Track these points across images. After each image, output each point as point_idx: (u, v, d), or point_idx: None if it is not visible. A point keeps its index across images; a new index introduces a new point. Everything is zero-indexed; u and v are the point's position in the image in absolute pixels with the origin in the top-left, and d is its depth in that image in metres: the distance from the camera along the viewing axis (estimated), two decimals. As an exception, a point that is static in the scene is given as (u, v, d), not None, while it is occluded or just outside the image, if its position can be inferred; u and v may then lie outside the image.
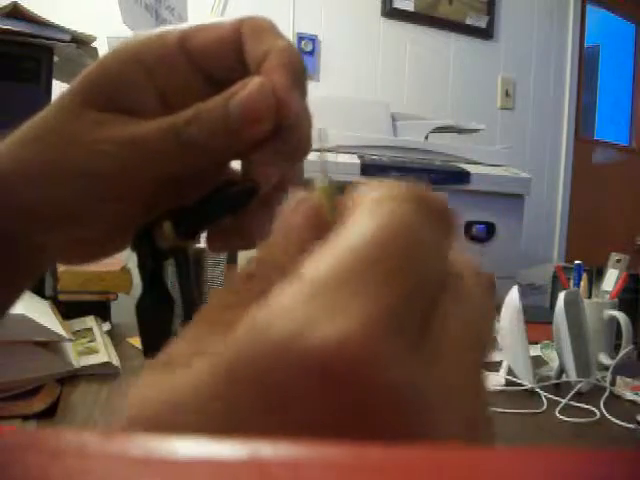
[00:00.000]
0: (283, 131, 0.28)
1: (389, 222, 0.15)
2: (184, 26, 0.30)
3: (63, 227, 0.29)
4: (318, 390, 0.13)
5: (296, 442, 0.11)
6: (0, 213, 0.28)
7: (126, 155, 0.27)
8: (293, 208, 0.19)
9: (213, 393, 0.13)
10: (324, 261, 0.15)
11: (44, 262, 0.32)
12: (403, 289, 0.14)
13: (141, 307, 0.30)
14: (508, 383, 0.96)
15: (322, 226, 0.18)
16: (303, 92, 0.29)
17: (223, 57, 0.29)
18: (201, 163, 0.28)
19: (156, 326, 0.30)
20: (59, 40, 1.18)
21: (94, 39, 1.29)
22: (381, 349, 0.13)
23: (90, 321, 1.12)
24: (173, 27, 0.30)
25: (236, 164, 0.31)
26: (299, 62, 0.28)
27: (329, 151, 0.24)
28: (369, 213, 0.16)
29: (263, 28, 0.29)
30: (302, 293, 0.14)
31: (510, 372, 0.97)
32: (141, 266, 0.29)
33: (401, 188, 0.17)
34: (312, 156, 0.27)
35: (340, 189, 0.21)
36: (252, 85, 0.26)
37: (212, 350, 0.14)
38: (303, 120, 0.29)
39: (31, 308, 0.88)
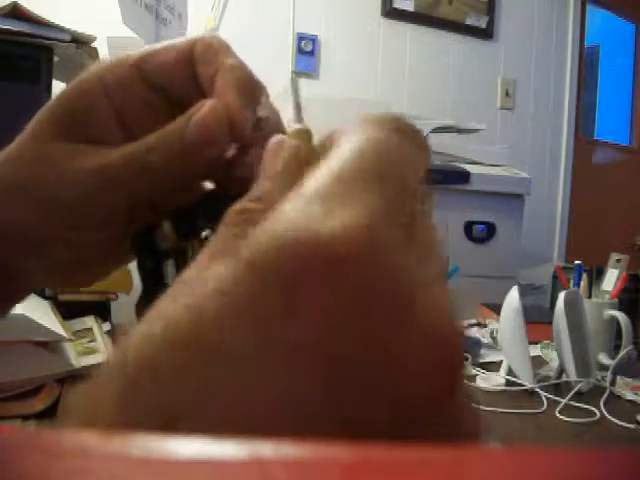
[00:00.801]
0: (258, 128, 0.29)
1: (375, 139, 0.18)
2: (141, 50, 0.30)
3: (37, 253, 0.30)
4: (328, 276, 0.14)
5: (297, 442, 0.11)
6: None
7: (94, 184, 0.28)
8: (273, 150, 0.21)
9: (236, 280, 0.14)
10: (320, 173, 0.16)
11: (21, 288, 0.33)
12: (394, 191, 0.16)
13: (141, 307, 0.30)
14: (508, 383, 0.96)
15: (301, 165, 0.19)
16: (255, 100, 0.29)
17: (178, 78, 0.30)
18: (166, 185, 0.29)
19: None
20: (59, 40, 1.18)
21: (94, 39, 1.29)
22: (383, 237, 0.15)
23: (90, 321, 1.12)
24: (132, 52, 0.31)
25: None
26: (248, 78, 0.29)
27: (300, 98, 0.25)
28: (356, 136, 0.18)
29: (213, 48, 0.29)
30: (305, 197, 0.16)
31: (510, 372, 0.97)
32: (141, 266, 0.29)
33: (381, 116, 0.19)
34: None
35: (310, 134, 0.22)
36: (205, 110, 0.27)
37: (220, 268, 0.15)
38: (271, 119, 0.30)
39: (31, 308, 0.88)
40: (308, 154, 0.20)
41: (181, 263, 0.29)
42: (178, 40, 0.30)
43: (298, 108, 0.24)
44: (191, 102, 0.29)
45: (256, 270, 0.14)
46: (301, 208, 0.15)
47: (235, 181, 0.29)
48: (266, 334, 0.14)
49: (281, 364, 0.14)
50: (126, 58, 0.30)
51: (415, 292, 0.15)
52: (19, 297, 0.34)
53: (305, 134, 0.21)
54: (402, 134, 0.19)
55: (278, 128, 0.30)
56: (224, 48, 0.30)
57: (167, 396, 0.14)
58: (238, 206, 0.19)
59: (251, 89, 0.29)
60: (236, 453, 0.10)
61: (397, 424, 0.14)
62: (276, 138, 0.22)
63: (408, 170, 0.18)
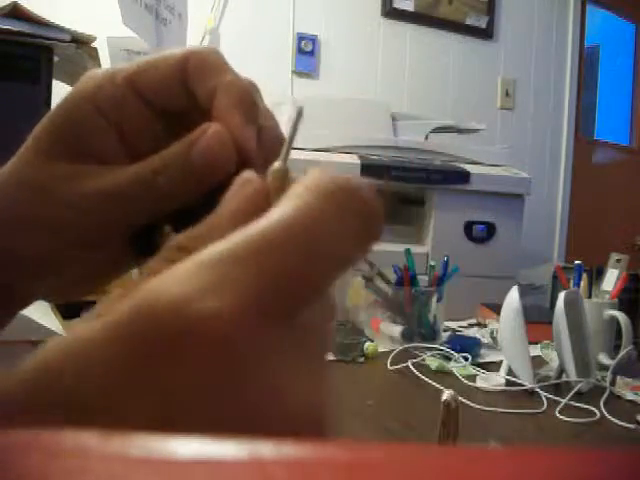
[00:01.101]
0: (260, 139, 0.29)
1: (304, 213, 0.17)
2: (132, 64, 0.30)
3: (43, 274, 0.30)
4: (169, 353, 0.15)
5: (296, 442, 0.11)
6: None
7: (99, 208, 0.28)
8: (238, 189, 0.21)
9: (105, 333, 0.15)
10: (234, 238, 0.17)
11: (20, 304, 0.34)
12: (282, 276, 0.16)
13: None
14: (508, 383, 0.95)
15: (264, 208, 0.19)
16: (256, 117, 0.29)
17: (172, 93, 0.29)
18: (172, 204, 0.29)
19: None
20: (59, 40, 1.19)
21: (94, 39, 1.29)
22: (245, 326, 0.15)
23: (90, 321, 1.12)
24: (122, 65, 0.30)
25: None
26: (247, 94, 0.29)
27: (295, 134, 0.24)
28: (286, 202, 0.18)
29: (208, 63, 0.29)
30: (196, 264, 0.16)
31: (510, 372, 0.97)
32: (140, 266, 0.30)
33: (328, 182, 0.18)
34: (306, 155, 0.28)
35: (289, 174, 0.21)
36: (209, 135, 0.27)
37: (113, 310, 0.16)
38: (270, 129, 0.30)
39: (31, 308, 0.88)
40: (276, 196, 0.20)
41: None
42: (170, 53, 0.29)
43: (289, 144, 0.23)
44: (188, 116, 0.29)
45: (119, 331, 0.15)
46: (182, 276, 0.16)
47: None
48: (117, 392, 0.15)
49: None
50: (116, 73, 0.30)
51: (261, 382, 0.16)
52: (16, 311, 0.34)
53: (280, 174, 0.21)
54: (344, 207, 0.18)
55: (277, 135, 0.30)
56: (219, 63, 0.29)
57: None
58: (175, 241, 0.20)
59: (251, 105, 0.29)
60: (236, 453, 0.10)
61: None
62: (243, 176, 0.22)
63: (322, 254, 0.17)
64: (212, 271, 0.16)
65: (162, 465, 0.10)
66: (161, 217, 0.29)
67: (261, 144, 0.29)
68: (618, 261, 1.12)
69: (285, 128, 0.28)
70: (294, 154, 0.23)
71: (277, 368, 0.16)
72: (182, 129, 0.29)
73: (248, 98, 0.28)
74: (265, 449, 0.11)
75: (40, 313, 0.91)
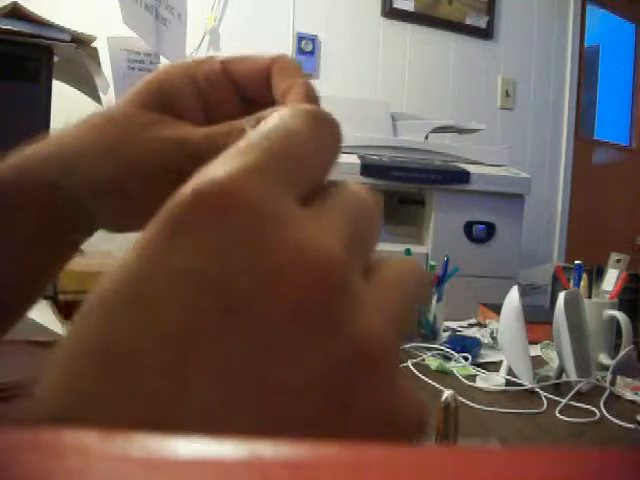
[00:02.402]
0: None
1: (294, 122, 0.22)
2: (228, 55, 0.38)
3: (112, 198, 0.36)
4: (206, 219, 0.17)
5: (296, 442, 0.11)
6: (68, 181, 0.34)
7: (172, 152, 0.34)
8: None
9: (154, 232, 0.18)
10: (245, 139, 0.21)
11: (92, 227, 0.39)
12: (296, 165, 0.20)
13: None
14: (508, 383, 0.96)
15: None
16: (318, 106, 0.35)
17: (256, 84, 0.36)
18: None
19: None
20: (59, 40, 1.19)
21: (94, 39, 1.29)
22: (260, 186, 0.18)
23: (90, 321, 1.11)
24: (217, 55, 0.38)
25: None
26: (316, 95, 0.35)
27: None
28: (283, 113, 0.22)
29: (290, 67, 0.36)
30: (223, 156, 0.19)
31: (510, 372, 0.97)
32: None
33: (302, 107, 0.23)
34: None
35: None
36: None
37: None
38: None
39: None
40: None
41: None
42: (261, 55, 0.37)
43: None
44: (264, 104, 0.35)
45: (165, 222, 0.18)
46: (212, 166, 0.19)
47: None
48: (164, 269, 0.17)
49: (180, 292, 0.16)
50: (212, 58, 0.37)
51: (287, 230, 0.17)
52: (82, 233, 0.39)
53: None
54: (319, 122, 0.23)
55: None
56: (298, 69, 0.36)
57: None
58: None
59: (317, 102, 0.34)
60: (236, 453, 0.10)
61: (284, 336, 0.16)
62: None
63: (315, 152, 0.21)
64: (224, 161, 0.19)
65: (162, 465, 0.10)
66: None
67: None
68: (618, 261, 1.12)
69: None
70: None
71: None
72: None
73: (316, 97, 0.34)
74: (265, 449, 0.11)
75: (40, 313, 0.91)
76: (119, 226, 0.39)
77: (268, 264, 0.16)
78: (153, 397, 0.15)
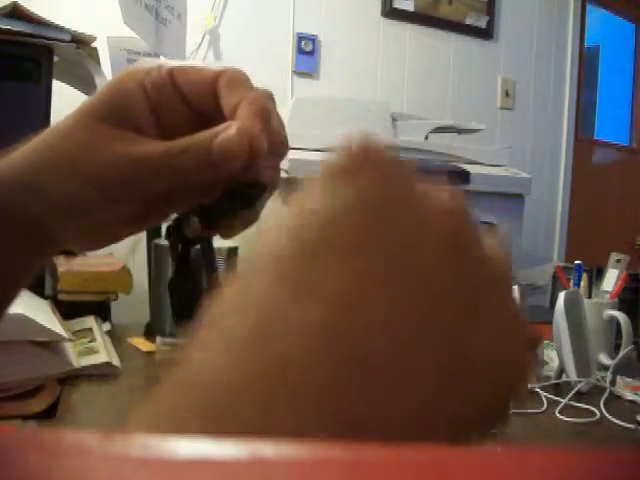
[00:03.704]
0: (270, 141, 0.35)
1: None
2: (174, 63, 0.37)
3: (75, 218, 0.36)
4: None
5: (296, 442, 0.11)
6: (29, 203, 0.34)
7: (130, 169, 0.34)
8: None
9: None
10: None
11: (55, 248, 0.39)
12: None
13: (173, 285, 0.38)
14: (508, 383, 0.95)
15: None
16: (270, 127, 0.35)
17: (202, 96, 0.36)
18: (186, 183, 0.35)
19: (186, 299, 0.37)
20: (59, 40, 1.18)
21: (94, 39, 1.29)
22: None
23: (90, 321, 1.12)
24: (164, 62, 0.37)
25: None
26: (266, 108, 0.35)
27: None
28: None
29: (238, 81, 0.35)
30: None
31: (510, 372, 0.97)
32: (173, 252, 0.37)
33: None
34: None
35: None
36: (231, 131, 0.33)
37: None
38: (277, 132, 0.36)
39: (31, 308, 0.88)
40: None
41: (206, 249, 0.38)
42: (209, 67, 0.36)
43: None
44: (212, 115, 0.35)
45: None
46: None
47: (246, 183, 0.35)
48: None
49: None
50: (164, 65, 0.36)
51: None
52: (44, 257, 0.39)
53: None
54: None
55: (282, 137, 0.37)
56: (247, 82, 0.36)
57: None
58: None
59: (268, 119, 0.34)
60: (236, 453, 0.10)
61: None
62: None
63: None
64: None
65: (162, 465, 0.10)
66: (190, 210, 0.36)
67: (272, 143, 0.35)
68: (618, 261, 1.12)
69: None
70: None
71: None
72: (208, 124, 0.35)
73: (266, 113, 0.34)
74: (265, 449, 0.10)
75: (40, 313, 0.91)
76: (84, 245, 0.39)
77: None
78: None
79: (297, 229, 0.19)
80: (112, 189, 0.34)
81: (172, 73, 0.36)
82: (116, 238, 0.39)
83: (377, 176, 0.20)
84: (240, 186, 0.35)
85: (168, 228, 0.37)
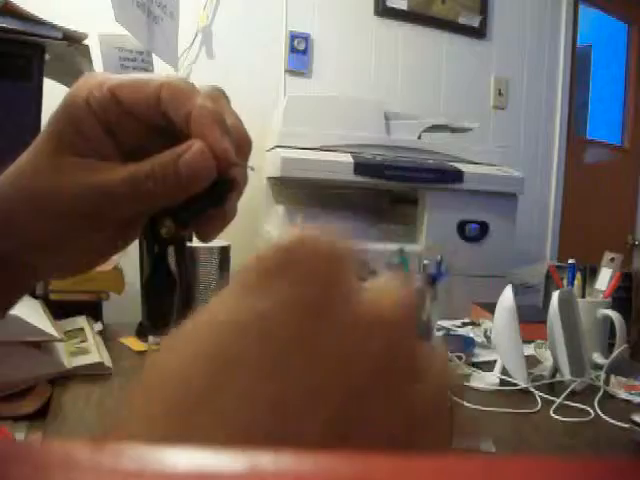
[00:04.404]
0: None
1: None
2: (120, 77, 0.35)
3: (50, 252, 0.36)
4: None
5: (296, 454, 0.10)
6: (1, 236, 0.35)
7: (97, 200, 0.34)
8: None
9: None
10: None
11: (32, 280, 0.40)
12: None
13: (149, 284, 0.38)
14: (502, 383, 0.95)
15: None
16: (227, 128, 0.34)
17: (148, 113, 0.35)
18: (156, 205, 0.35)
19: (161, 299, 0.38)
20: (50, 38, 1.17)
21: (86, 37, 1.28)
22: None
23: (82, 321, 1.11)
24: (106, 78, 0.35)
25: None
26: (218, 113, 0.34)
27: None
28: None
29: (179, 93, 0.34)
30: None
31: (504, 371, 0.97)
32: (149, 252, 0.37)
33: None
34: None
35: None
36: (193, 152, 0.33)
37: None
38: (236, 127, 0.36)
39: (22, 308, 0.87)
40: None
41: (180, 248, 0.38)
42: (150, 79, 0.34)
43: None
44: (165, 127, 0.34)
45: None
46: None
47: (215, 181, 0.35)
48: None
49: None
50: (105, 82, 0.34)
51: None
52: (20, 292, 0.40)
53: None
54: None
55: (242, 132, 0.36)
56: (188, 91, 0.34)
57: None
58: None
59: (223, 121, 0.34)
60: (234, 465, 0.10)
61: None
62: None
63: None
64: None
65: (156, 478, 0.09)
66: (163, 211, 0.35)
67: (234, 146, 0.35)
68: (612, 260, 1.12)
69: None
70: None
71: None
72: (166, 135, 0.35)
73: (219, 116, 0.34)
74: (264, 460, 0.10)
75: (31, 313, 0.90)
76: (63, 274, 0.40)
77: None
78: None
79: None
80: (82, 221, 0.35)
81: (113, 90, 0.34)
82: (96, 263, 0.40)
83: (301, 276, 0.19)
84: (209, 185, 0.35)
85: (143, 229, 0.37)
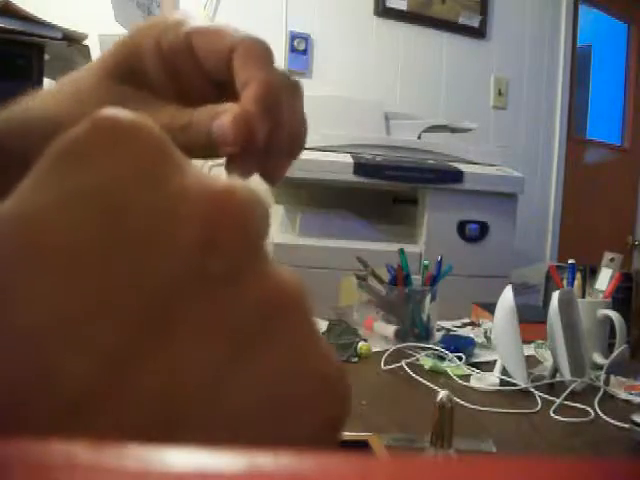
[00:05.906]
0: (276, 134, 0.34)
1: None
2: (198, 23, 0.35)
3: None
4: None
5: (296, 454, 0.10)
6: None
7: None
8: None
9: None
10: None
11: None
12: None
13: None
14: (502, 383, 0.95)
15: None
16: (273, 113, 0.33)
17: (218, 65, 0.35)
18: (190, 157, 0.33)
19: None
20: (50, 38, 1.18)
21: (85, 37, 1.28)
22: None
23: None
24: (183, 20, 0.35)
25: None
26: (274, 95, 0.33)
27: None
28: None
29: (253, 55, 0.34)
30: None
31: (504, 372, 0.97)
32: None
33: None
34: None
35: None
36: (228, 117, 0.33)
37: None
38: (294, 124, 0.35)
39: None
40: None
41: None
42: (229, 33, 0.34)
43: None
44: (227, 84, 0.34)
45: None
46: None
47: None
48: None
49: None
50: (181, 25, 0.35)
51: None
52: None
53: None
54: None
55: (295, 132, 0.36)
56: (262, 56, 0.34)
57: None
58: None
59: (273, 103, 0.33)
60: (234, 465, 0.10)
61: None
62: None
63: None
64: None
65: (158, 478, 0.09)
66: None
67: (278, 135, 0.34)
68: (612, 260, 1.12)
69: None
70: None
71: None
72: (224, 90, 0.35)
73: (272, 97, 0.33)
74: (266, 461, 0.10)
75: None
76: None
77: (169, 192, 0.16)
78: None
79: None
80: None
81: (190, 36, 0.34)
82: None
83: (109, 161, 0.16)
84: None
85: None
